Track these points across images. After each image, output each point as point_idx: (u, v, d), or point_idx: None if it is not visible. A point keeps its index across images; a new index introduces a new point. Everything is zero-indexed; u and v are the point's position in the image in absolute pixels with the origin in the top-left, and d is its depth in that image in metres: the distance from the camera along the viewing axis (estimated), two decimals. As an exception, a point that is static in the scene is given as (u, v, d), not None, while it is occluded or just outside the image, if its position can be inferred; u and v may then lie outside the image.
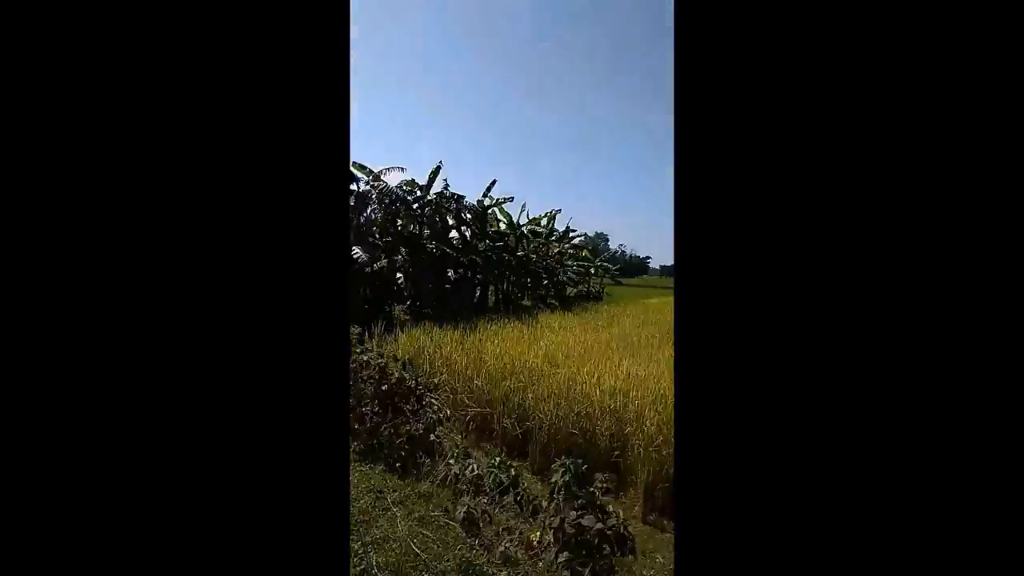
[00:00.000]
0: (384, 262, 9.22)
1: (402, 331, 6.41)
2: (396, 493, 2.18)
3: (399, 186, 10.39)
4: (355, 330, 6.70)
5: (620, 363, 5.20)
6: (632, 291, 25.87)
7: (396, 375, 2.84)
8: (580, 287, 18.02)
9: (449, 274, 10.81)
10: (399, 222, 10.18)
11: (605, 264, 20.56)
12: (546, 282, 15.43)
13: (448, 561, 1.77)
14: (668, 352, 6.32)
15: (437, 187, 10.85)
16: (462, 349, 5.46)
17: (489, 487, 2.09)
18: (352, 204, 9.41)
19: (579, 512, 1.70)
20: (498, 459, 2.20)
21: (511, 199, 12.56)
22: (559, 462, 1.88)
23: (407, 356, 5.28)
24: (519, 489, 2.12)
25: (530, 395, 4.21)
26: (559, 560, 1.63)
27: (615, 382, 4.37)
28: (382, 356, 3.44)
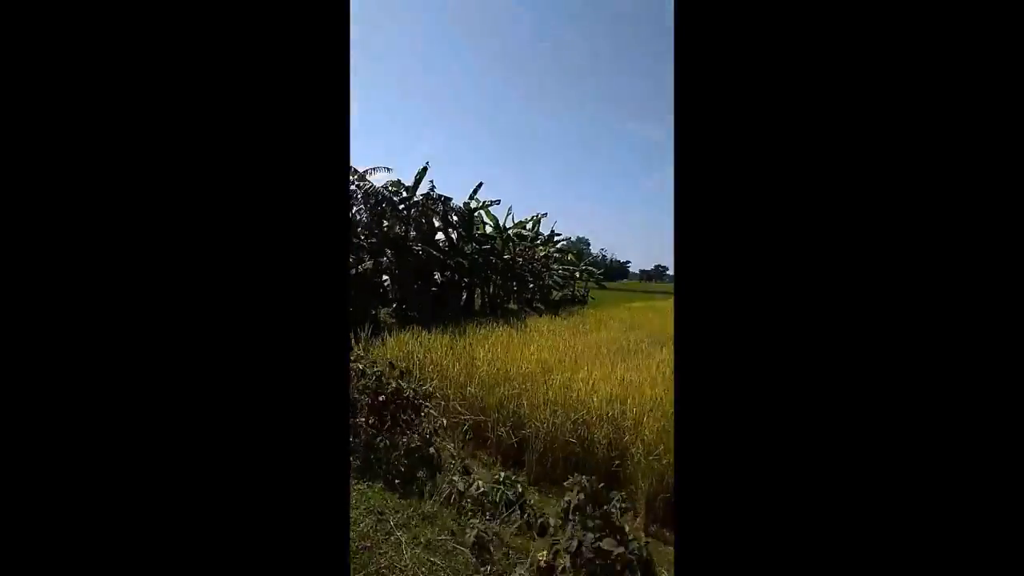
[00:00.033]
0: (369, 264, 9.00)
1: (390, 335, 6.23)
2: (398, 515, 2.03)
3: (385, 187, 10.19)
4: (340, 334, 6.47)
5: (613, 369, 5.15)
6: (615, 295, 26.06)
7: (394, 385, 2.70)
8: (565, 291, 18.01)
9: (436, 277, 10.64)
10: (385, 223, 9.97)
11: (590, 268, 20.63)
12: (532, 286, 15.37)
13: (461, 594, 1.65)
14: (659, 357, 6.30)
15: (423, 188, 10.69)
16: (453, 355, 5.33)
17: (494, 505, 1.98)
18: (336, 204, 9.15)
19: (597, 535, 1.60)
20: (502, 474, 2.08)
21: (497, 202, 12.47)
22: (572, 480, 1.79)
23: (396, 362, 5.12)
24: (525, 506, 2.01)
25: (525, 402, 4.11)
26: (579, 588, 1.53)
27: (611, 388, 4.31)
28: (375, 364, 3.29)
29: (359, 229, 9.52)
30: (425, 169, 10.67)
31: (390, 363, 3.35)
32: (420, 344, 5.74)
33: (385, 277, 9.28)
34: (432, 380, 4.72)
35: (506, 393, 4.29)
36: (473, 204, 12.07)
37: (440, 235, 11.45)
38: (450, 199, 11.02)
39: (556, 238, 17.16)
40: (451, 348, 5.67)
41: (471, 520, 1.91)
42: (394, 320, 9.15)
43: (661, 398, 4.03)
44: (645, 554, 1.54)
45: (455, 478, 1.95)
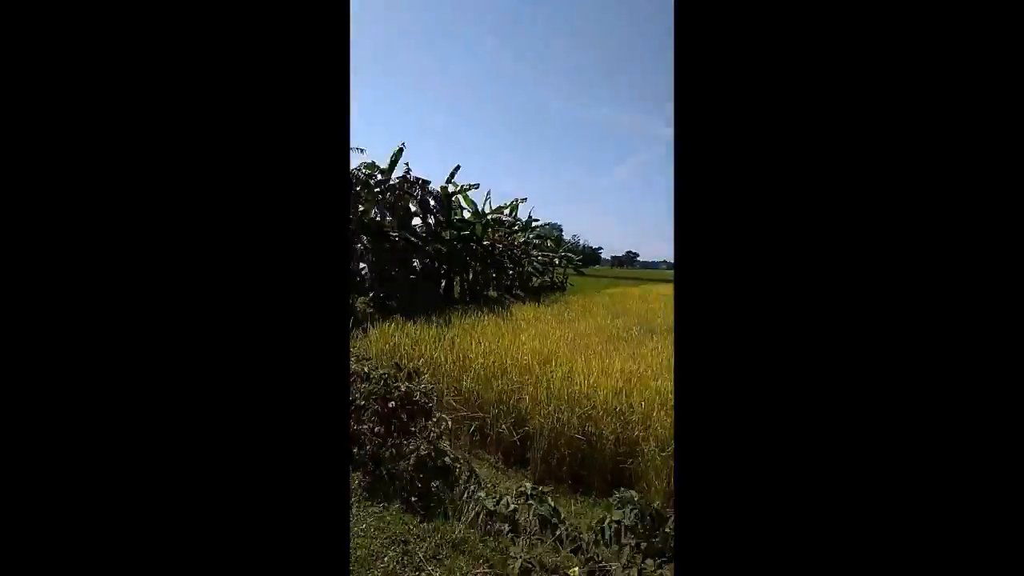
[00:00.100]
0: (344, 251, 8.50)
1: (371, 326, 5.86)
2: (425, 543, 1.74)
3: (358, 168, 9.64)
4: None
5: (610, 358, 4.97)
6: (591, 281, 26.15)
7: (403, 389, 2.40)
8: (544, 278, 17.82)
9: (415, 264, 10.21)
10: (360, 207, 9.44)
11: (568, 254, 20.50)
12: (511, 272, 15.10)
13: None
14: (651, 345, 6.19)
15: (398, 171, 10.18)
16: (442, 347, 5.03)
17: (529, 524, 1.74)
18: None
19: (657, 560, 1.39)
20: (527, 485, 1.84)
21: (476, 186, 12.02)
22: (619, 496, 1.57)
23: (382, 356, 4.78)
24: (558, 521, 1.78)
25: (527, 397, 3.87)
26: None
27: (613, 380, 4.12)
28: (376, 366, 2.97)
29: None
30: (400, 151, 10.16)
31: (396, 364, 3.03)
32: (406, 336, 5.40)
33: (362, 265, 8.81)
34: (422, 374, 4.42)
35: (504, 387, 4.04)
36: (451, 188, 11.61)
37: (417, 220, 10.99)
38: (428, 182, 10.54)
39: (533, 224, 16.89)
40: (439, 339, 5.36)
41: (508, 547, 1.67)
42: (372, 310, 8.72)
43: (667, 390, 3.87)
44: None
45: (481, 495, 1.70)
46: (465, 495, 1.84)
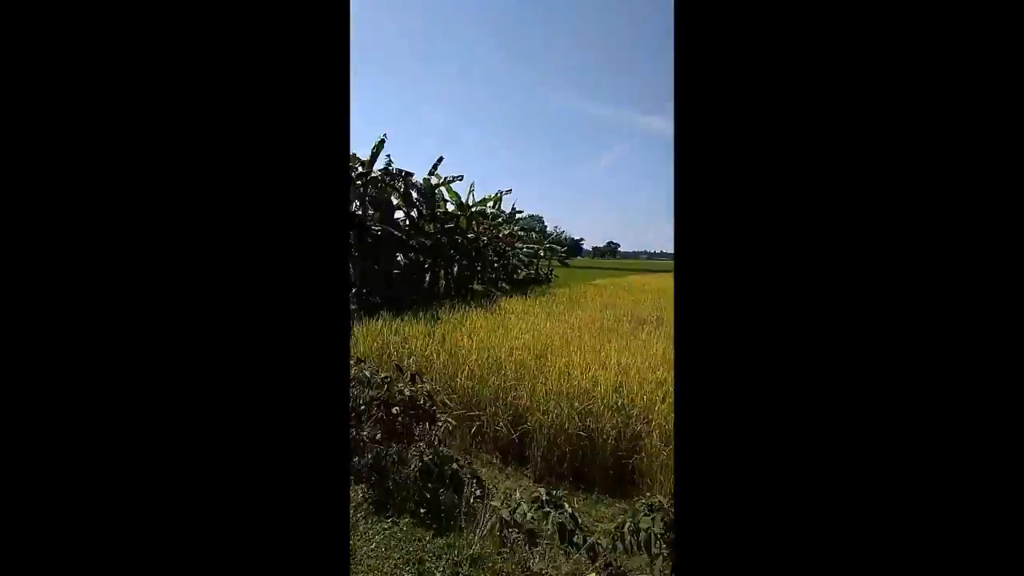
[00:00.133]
0: (326, 246, 8.23)
1: (359, 323, 5.66)
2: (442, 560, 1.61)
3: (338, 161, 9.32)
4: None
5: (605, 351, 4.89)
6: (575, 273, 26.19)
7: (407, 393, 2.25)
8: (529, 270, 17.72)
9: (399, 258, 9.97)
10: (340, 201, 9.13)
11: (553, 246, 20.44)
12: (496, 265, 14.94)
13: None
14: (643, 337, 6.15)
15: (379, 163, 9.88)
16: (432, 343, 4.87)
17: (548, 531, 1.62)
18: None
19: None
20: (541, 490, 1.73)
21: (460, 178, 11.78)
22: (645, 501, 1.47)
23: (371, 354, 4.61)
24: (575, 527, 1.68)
25: (524, 393, 3.76)
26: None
27: (610, 374, 4.04)
28: (365, 364, 2.80)
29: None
30: (383, 142, 9.86)
31: (397, 366, 2.87)
32: (394, 333, 5.22)
33: (344, 260, 8.54)
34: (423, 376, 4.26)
35: (500, 384, 3.91)
36: (434, 180, 11.35)
37: (399, 213, 10.72)
38: (411, 174, 10.27)
39: (517, 216, 16.73)
40: (429, 336, 5.20)
41: (528, 558, 1.55)
42: (355, 306, 8.47)
43: (669, 381, 3.81)
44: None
45: (496, 504, 1.58)
46: (472, 501, 1.73)
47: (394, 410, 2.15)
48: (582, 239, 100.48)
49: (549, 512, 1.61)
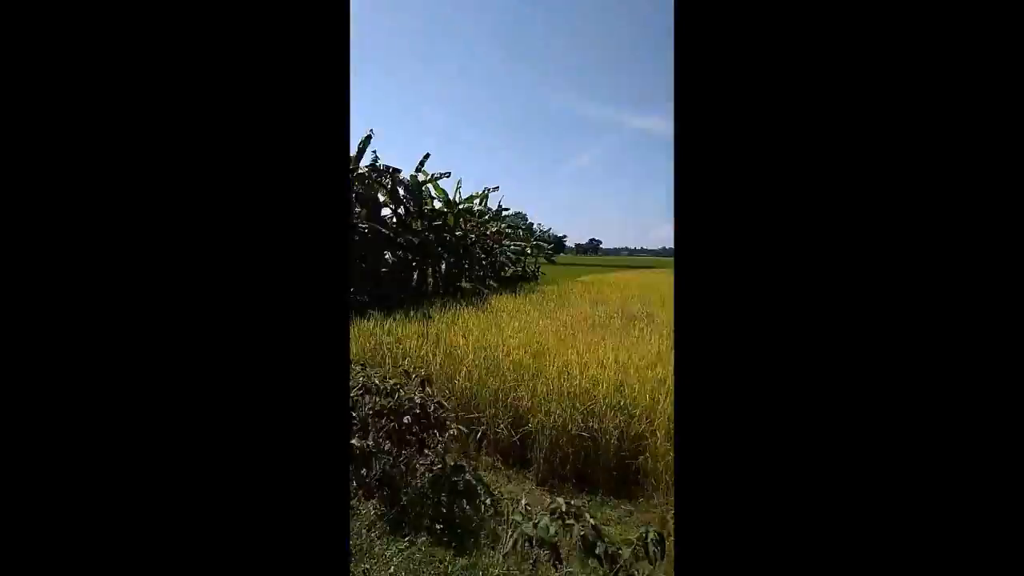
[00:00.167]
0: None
1: (350, 322, 5.52)
2: None
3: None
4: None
5: (601, 348, 4.86)
6: (561, 269, 26.24)
7: (417, 400, 2.15)
8: (517, 267, 17.65)
9: (386, 256, 9.79)
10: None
11: (540, 243, 20.42)
12: (484, 262, 14.83)
13: None
14: (636, 333, 6.15)
15: (366, 160, 9.68)
16: (427, 344, 4.77)
17: (570, 544, 1.56)
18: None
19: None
20: (560, 500, 1.67)
21: (448, 175, 11.63)
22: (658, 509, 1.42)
23: (364, 355, 4.49)
24: (597, 538, 1.62)
25: (524, 394, 3.70)
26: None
27: (611, 372, 4.01)
28: (372, 369, 2.69)
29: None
30: (369, 138, 9.66)
31: (405, 371, 2.76)
32: (388, 334, 5.10)
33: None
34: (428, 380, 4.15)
35: (499, 385, 3.84)
36: (421, 177, 11.18)
37: (386, 210, 10.53)
38: (399, 171, 10.10)
39: (503, 213, 16.63)
40: (423, 336, 5.10)
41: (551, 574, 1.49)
42: (343, 305, 8.27)
43: (668, 379, 3.79)
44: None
45: (517, 518, 1.52)
46: (484, 511, 1.66)
47: (406, 419, 2.06)
48: (565, 236, 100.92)
49: (572, 525, 1.55)
